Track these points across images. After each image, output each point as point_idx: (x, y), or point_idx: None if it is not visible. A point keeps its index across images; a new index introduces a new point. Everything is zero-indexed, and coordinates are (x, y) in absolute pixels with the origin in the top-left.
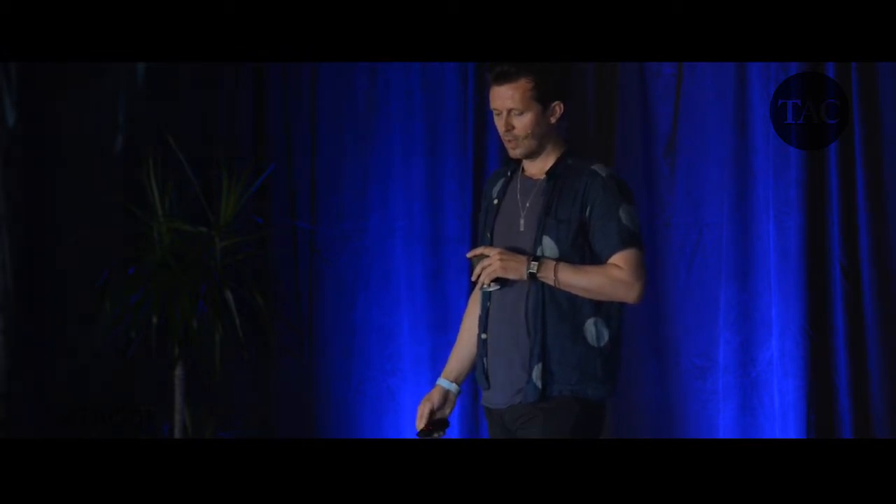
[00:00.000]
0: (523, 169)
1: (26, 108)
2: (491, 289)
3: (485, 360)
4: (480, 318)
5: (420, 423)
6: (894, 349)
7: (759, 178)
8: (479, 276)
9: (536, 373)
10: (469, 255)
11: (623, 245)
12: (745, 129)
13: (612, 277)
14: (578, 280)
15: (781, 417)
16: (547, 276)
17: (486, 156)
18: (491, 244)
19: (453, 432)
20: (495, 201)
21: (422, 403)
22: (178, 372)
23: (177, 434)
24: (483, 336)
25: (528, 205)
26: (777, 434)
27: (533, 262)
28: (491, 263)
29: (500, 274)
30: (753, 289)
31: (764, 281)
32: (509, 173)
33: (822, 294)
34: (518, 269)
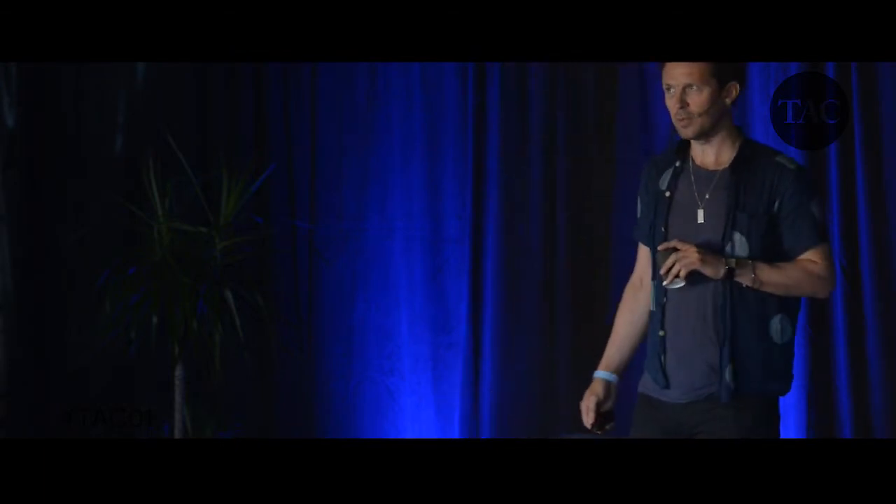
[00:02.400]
0: (693, 158)
1: (26, 108)
2: (677, 285)
3: (662, 357)
4: (654, 314)
5: (589, 418)
6: (894, 349)
7: None
8: (668, 269)
9: (729, 374)
10: (661, 247)
11: (819, 239)
12: (744, 128)
13: (812, 273)
14: (779, 277)
15: (781, 417)
16: (745, 274)
17: (486, 156)
18: (665, 238)
19: (453, 432)
20: (667, 193)
21: (585, 398)
22: (178, 372)
23: (177, 434)
24: (661, 333)
25: (707, 197)
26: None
27: (731, 260)
28: (688, 256)
29: (698, 267)
30: None
31: None
32: (678, 163)
33: None
34: (716, 266)
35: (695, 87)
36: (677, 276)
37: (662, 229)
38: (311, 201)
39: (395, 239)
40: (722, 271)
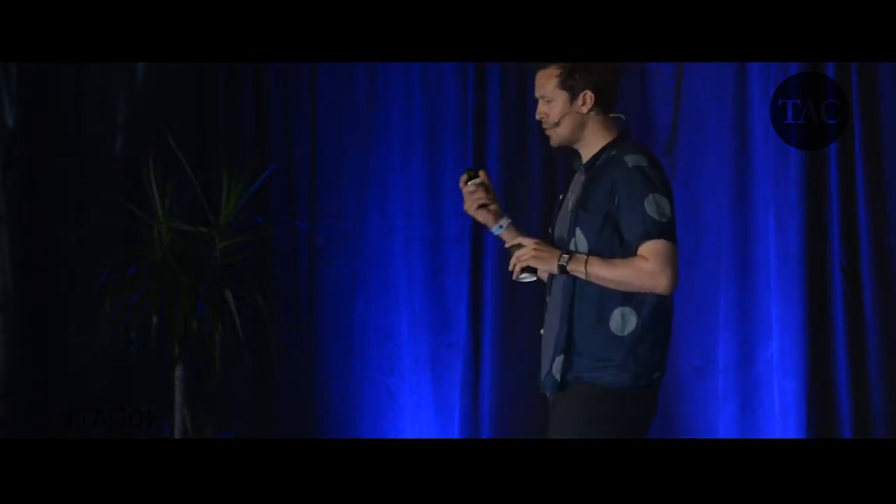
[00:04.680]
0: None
1: (26, 108)
2: (524, 279)
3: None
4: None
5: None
6: (894, 349)
7: (759, 178)
8: (514, 267)
9: (557, 364)
10: (508, 244)
11: (646, 236)
12: (744, 129)
13: (638, 269)
14: (607, 272)
15: (781, 417)
16: (578, 269)
17: (486, 156)
18: (553, 240)
19: (453, 432)
20: (560, 196)
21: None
22: (178, 372)
23: (177, 434)
24: (541, 332)
25: (572, 198)
26: (777, 434)
27: (564, 256)
28: (525, 252)
29: (532, 264)
30: (753, 289)
31: (764, 281)
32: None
33: (822, 294)
34: (550, 262)
35: (546, 100)
36: (523, 270)
37: (550, 231)
38: (311, 201)
39: (395, 239)
40: (556, 266)
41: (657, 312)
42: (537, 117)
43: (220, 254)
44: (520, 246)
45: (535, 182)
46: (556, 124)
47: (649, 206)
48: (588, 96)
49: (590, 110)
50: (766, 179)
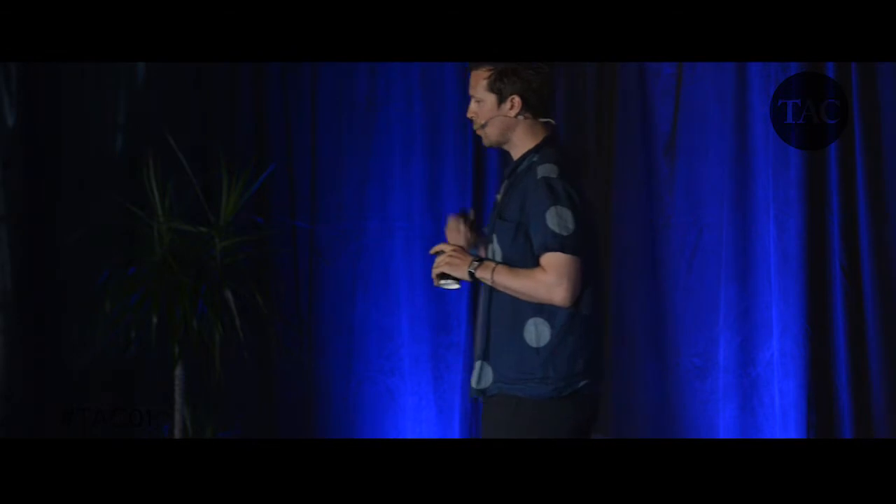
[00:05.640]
0: None
1: (26, 108)
2: (445, 286)
3: None
4: None
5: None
6: (894, 349)
7: (759, 178)
8: (433, 274)
9: (476, 371)
10: (431, 251)
11: (545, 248)
12: (744, 128)
13: (536, 280)
14: (511, 282)
15: (781, 417)
16: (485, 276)
17: (486, 156)
18: (490, 244)
19: (453, 432)
20: (497, 197)
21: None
22: (178, 372)
23: (177, 434)
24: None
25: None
26: (777, 434)
27: (474, 263)
28: (441, 259)
29: (445, 270)
30: (753, 289)
31: (764, 281)
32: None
33: (822, 294)
34: (461, 268)
35: (476, 99)
36: (441, 277)
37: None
38: (311, 201)
39: (396, 239)
40: (466, 272)
41: (572, 324)
42: (468, 116)
43: (220, 254)
44: (441, 252)
45: None
46: (484, 125)
47: (550, 219)
48: (516, 101)
49: (517, 114)
50: (766, 179)
